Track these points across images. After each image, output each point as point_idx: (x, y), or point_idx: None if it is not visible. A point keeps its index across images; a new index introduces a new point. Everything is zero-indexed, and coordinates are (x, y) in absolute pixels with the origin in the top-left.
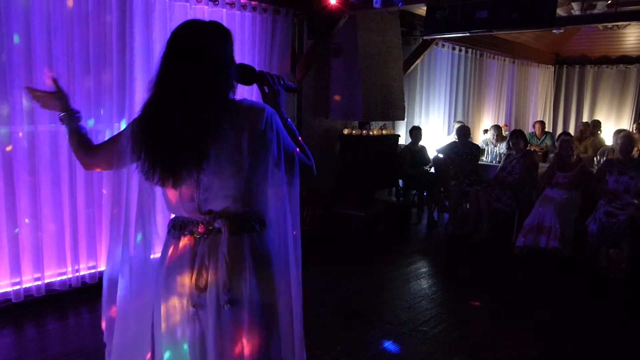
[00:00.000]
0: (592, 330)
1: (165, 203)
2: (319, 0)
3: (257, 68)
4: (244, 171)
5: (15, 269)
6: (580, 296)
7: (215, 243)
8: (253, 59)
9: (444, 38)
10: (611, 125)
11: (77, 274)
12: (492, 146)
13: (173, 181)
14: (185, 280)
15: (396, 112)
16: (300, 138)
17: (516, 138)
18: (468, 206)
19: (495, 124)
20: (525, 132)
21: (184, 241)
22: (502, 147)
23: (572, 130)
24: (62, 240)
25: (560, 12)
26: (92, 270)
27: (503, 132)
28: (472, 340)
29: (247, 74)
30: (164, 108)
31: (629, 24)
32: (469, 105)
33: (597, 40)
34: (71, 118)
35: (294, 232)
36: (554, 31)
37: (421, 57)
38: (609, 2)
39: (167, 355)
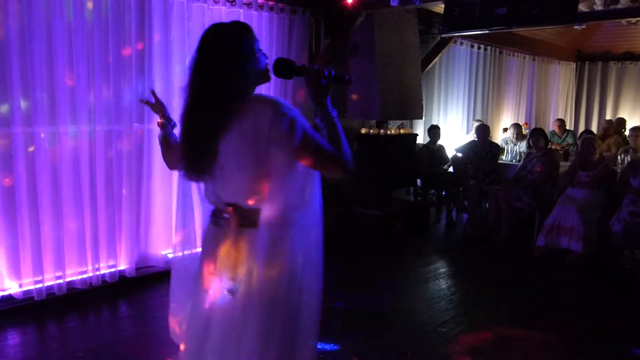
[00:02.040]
0: (618, 332)
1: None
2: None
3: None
4: (250, 168)
5: (38, 267)
6: (605, 297)
7: (226, 233)
8: (270, 58)
9: (462, 36)
10: (636, 123)
11: (98, 272)
12: (512, 145)
13: (196, 176)
14: (205, 263)
15: (414, 111)
16: (340, 131)
17: (537, 136)
18: (487, 206)
19: (515, 122)
20: (546, 131)
21: (211, 227)
22: (522, 146)
23: (594, 128)
24: (82, 239)
25: (582, 7)
26: (112, 269)
27: (523, 130)
28: (492, 342)
29: (284, 68)
30: (186, 110)
31: None
32: (488, 104)
33: (620, 35)
34: (166, 125)
35: (316, 232)
36: (575, 27)
37: (439, 55)
38: None
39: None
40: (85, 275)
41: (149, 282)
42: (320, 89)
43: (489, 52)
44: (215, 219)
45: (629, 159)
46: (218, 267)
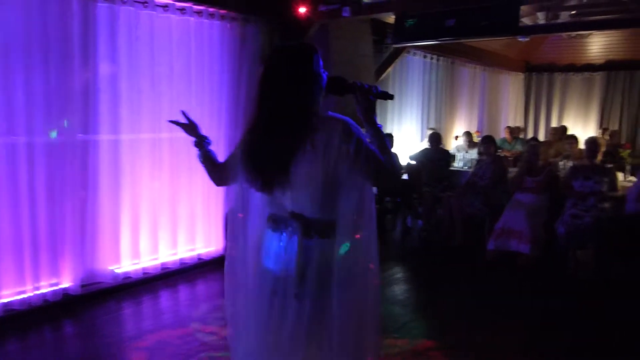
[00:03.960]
0: (565, 330)
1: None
2: (289, 9)
3: (226, 76)
4: (319, 183)
5: None
6: (552, 297)
7: (293, 241)
8: (222, 67)
9: (415, 46)
10: (579, 130)
11: (38, 291)
12: (463, 152)
13: (268, 189)
14: (269, 267)
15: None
16: (388, 143)
17: (487, 143)
18: (441, 212)
19: (467, 130)
20: (497, 138)
21: (275, 234)
22: (474, 153)
23: (542, 135)
24: (20, 256)
25: (526, 21)
26: (55, 287)
27: (474, 138)
28: (445, 345)
29: (337, 86)
30: (256, 126)
31: (591, 34)
32: (441, 112)
33: (563, 48)
34: (202, 144)
35: (371, 265)
36: (519, 39)
37: (393, 65)
38: (573, 12)
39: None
40: (24, 295)
41: (96, 299)
42: (370, 106)
43: (441, 62)
44: (276, 225)
45: (570, 164)
46: (283, 273)
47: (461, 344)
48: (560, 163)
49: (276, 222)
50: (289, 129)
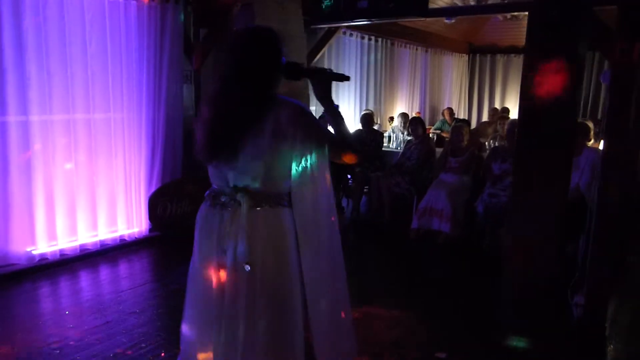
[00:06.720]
0: (478, 305)
1: (209, 175)
2: None
3: (145, 58)
4: (264, 158)
5: None
6: (469, 273)
7: (237, 214)
8: (141, 49)
9: (350, 27)
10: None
11: None
12: (399, 133)
13: (212, 161)
14: (212, 242)
15: (301, 100)
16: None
17: (415, 124)
18: (370, 192)
19: (403, 112)
20: (438, 119)
21: (215, 209)
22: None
23: (485, 116)
24: None
25: (458, 2)
26: None
27: None
28: (359, 325)
29: (293, 71)
30: (217, 102)
31: (526, 15)
32: (381, 94)
33: (504, 30)
34: None
35: (332, 218)
36: (445, 21)
37: (327, 46)
38: None
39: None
40: None
41: (10, 280)
42: (325, 88)
43: (379, 43)
44: (217, 201)
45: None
46: (228, 244)
47: (378, 320)
48: (487, 143)
49: (216, 197)
50: (244, 109)
